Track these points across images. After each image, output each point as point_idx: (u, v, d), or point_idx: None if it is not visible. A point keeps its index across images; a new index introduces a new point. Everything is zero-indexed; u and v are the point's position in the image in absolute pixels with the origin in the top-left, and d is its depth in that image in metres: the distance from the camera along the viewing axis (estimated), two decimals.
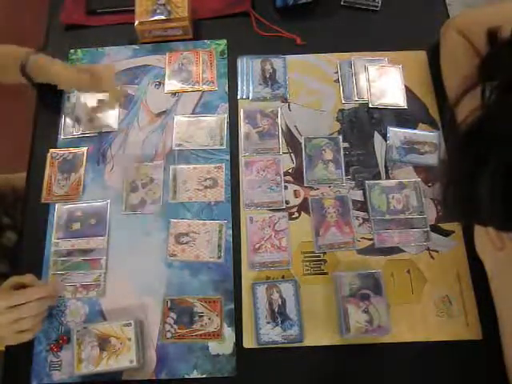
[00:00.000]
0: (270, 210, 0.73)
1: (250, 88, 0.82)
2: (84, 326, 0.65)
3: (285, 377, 0.65)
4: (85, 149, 0.78)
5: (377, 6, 0.87)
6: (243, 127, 0.79)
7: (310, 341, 0.66)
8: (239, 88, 0.82)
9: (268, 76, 0.82)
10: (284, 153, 0.77)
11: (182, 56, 0.84)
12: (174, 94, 0.82)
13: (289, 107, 0.80)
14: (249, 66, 0.83)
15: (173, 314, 0.67)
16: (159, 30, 0.83)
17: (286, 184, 0.75)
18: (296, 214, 0.73)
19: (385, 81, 0.81)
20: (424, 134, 0.77)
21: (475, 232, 0.67)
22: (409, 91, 0.80)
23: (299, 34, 0.85)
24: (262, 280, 0.68)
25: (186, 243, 0.71)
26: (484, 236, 0.65)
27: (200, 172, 0.76)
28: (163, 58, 0.85)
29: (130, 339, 0.63)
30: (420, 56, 0.83)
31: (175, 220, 0.72)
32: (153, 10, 0.81)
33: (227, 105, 0.80)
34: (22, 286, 0.64)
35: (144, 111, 0.81)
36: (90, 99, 0.81)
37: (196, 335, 0.66)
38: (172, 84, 0.82)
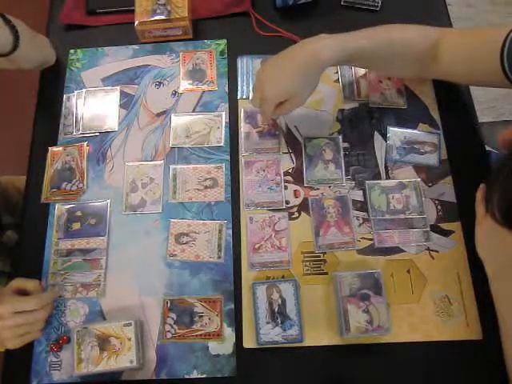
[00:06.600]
0: (270, 210, 0.73)
1: (250, 88, 0.81)
2: (84, 326, 0.65)
3: (285, 377, 0.65)
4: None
5: (377, 6, 0.87)
6: (243, 127, 0.79)
7: (310, 341, 0.66)
8: (239, 88, 0.82)
9: None
10: (284, 153, 0.77)
11: (195, 56, 0.84)
12: (174, 93, 0.82)
13: None
14: (249, 66, 0.83)
15: (173, 314, 0.67)
16: (159, 29, 0.83)
17: (286, 184, 0.74)
18: (296, 214, 0.73)
19: (385, 81, 0.81)
20: (424, 134, 0.77)
21: (476, 234, 0.67)
22: (409, 91, 0.80)
23: (299, 34, 0.84)
24: (262, 280, 0.68)
25: (186, 243, 0.71)
26: (485, 238, 0.65)
27: (200, 172, 0.75)
28: (163, 57, 0.85)
29: (130, 339, 0.63)
30: None
31: (175, 220, 0.72)
32: (153, 10, 0.81)
33: (227, 105, 0.80)
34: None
35: (144, 111, 0.81)
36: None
37: (196, 335, 0.66)
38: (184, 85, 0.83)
